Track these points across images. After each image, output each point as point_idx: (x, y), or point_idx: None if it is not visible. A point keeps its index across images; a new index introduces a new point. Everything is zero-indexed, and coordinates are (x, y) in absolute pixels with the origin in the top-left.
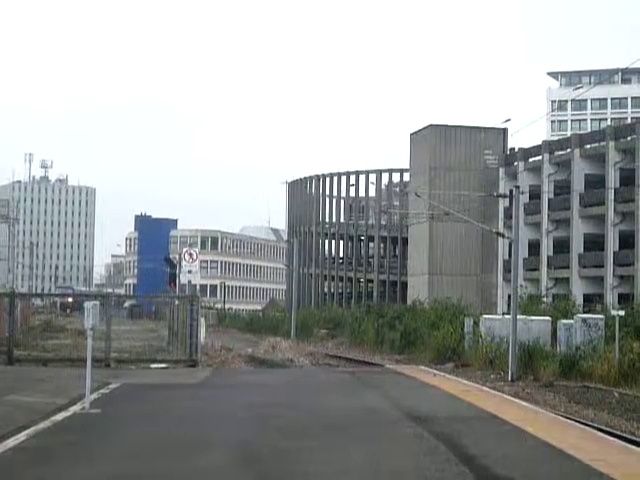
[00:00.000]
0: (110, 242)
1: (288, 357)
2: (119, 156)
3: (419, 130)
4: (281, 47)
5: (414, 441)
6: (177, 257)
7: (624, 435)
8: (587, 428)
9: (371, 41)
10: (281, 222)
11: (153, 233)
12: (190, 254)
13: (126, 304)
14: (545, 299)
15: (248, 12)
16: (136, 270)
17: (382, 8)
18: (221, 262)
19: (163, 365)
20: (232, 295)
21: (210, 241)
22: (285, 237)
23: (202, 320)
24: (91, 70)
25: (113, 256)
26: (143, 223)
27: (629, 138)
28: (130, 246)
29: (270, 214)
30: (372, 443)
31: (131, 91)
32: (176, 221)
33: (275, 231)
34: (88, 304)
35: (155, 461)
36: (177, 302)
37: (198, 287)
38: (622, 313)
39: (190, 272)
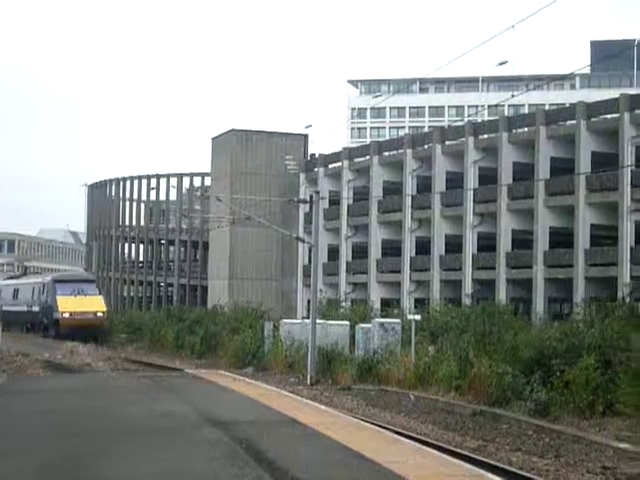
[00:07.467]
0: None
1: (87, 362)
2: None
3: (220, 134)
4: (78, 45)
5: (213, 446)
6: None
7: (419, 437)
8: (384, 431)
9: (172, 41)
10: (81, 225)
11: None
12: None
13: None
14: (344, 304)
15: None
16: None
17: (188, 9)
18: (18, 265)
19: None
20: None
21: (7, 244)
22: (85, 240)
23: None
24: None
25: None
26: None
27: (426, 146)
28: None
29: (69, 217)
30: (171, 448)
31: None
32: None
33: (74, 234)
34: None
35: None
36: None
37: None
38: (418, 317)
39: None
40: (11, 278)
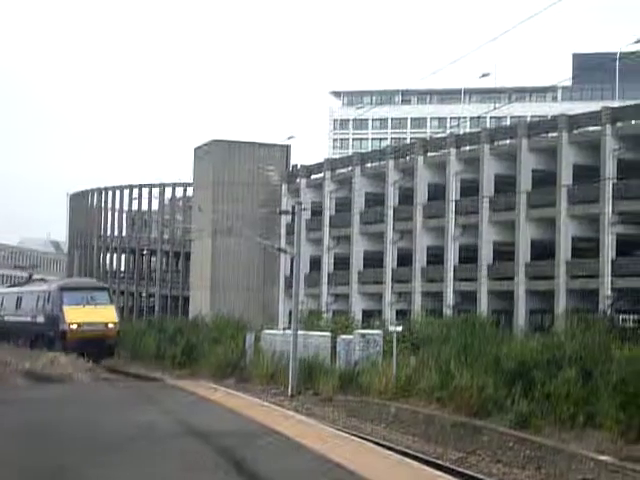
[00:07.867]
0: None
1: (67, 372)
2: None
3: (203, 144)
4: (59, 55)
5: (194, 456)
6: None
7: (400, 448)
8: (365, 442)
9: (155, 51)
10: (62, 234)
11: None
12: None
13: None
14: (325, 315)
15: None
16: None
17: (171, 20)
18: None
19: None
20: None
21: None
22: (66, 250)
23: None
24: None
25: None
26: None
27: (408, 158)
28: None
29: (51, 226)
30: (151, 458)
31: None
32: None
33: (55, 243)
34: None
35: None
36: None
37: None
38: (400, 329)
39: None
40: (15, 285)
